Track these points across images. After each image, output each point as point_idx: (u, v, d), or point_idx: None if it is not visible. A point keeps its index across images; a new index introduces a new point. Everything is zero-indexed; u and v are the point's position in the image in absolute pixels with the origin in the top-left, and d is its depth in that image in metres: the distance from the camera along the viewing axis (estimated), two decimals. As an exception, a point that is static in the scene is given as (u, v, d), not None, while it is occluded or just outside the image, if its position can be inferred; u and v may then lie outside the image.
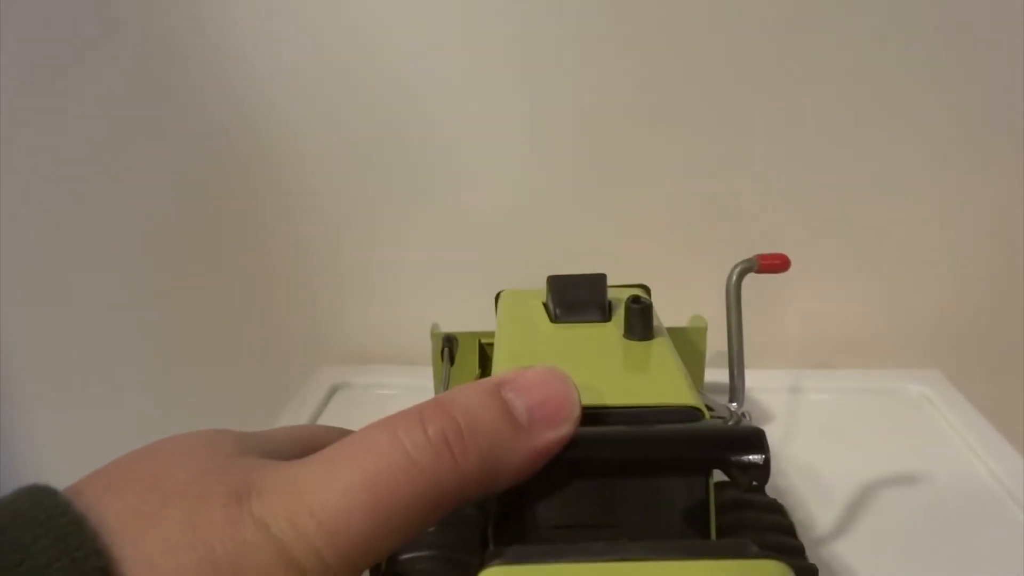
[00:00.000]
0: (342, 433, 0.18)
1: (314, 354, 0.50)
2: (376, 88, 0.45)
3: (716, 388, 0.33)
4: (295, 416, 0.42)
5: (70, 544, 0.14)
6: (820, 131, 0.45)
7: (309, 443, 0.19)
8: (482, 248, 0.48)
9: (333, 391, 0.46)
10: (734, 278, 0.28)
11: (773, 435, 0.40)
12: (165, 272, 0.50)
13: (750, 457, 0.20)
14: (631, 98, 0.45)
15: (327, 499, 0.16)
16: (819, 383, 0.45)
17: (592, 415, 0.21)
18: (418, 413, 0.17)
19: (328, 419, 0.43)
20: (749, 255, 0.29)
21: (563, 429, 0.18)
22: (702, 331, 0.37)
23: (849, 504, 0.35)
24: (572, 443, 0.20)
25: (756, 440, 0.20)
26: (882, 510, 0.34)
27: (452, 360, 0.26)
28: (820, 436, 0.40)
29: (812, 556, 0.28)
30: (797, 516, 0.34)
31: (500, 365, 0.25)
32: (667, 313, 0.33)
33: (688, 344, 0.37)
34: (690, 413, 0.21)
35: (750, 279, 0.50)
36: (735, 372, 0.28)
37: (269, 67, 0.45)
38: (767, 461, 0.20)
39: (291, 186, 0.48)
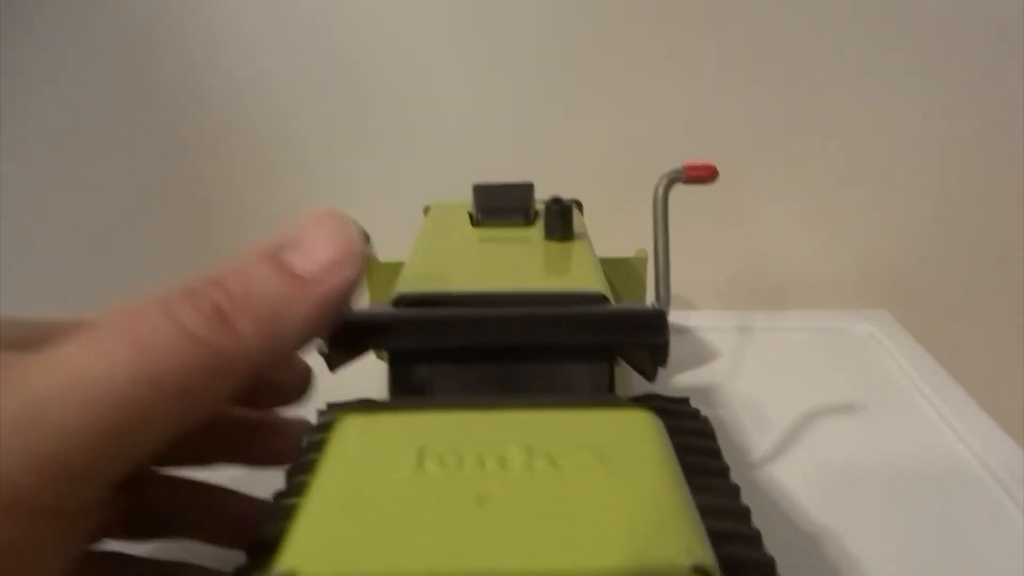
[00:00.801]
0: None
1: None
2: (321, 21, 0.45)
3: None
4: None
5: None
6: (768, 66, 0.45)
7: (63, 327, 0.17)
8: (432, 185, 0.47)
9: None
10: (661, 190, 0.28)
11: (718, 370, 0.40)
12: (116, 220, 0.50)
13: (647, 336, 0.19)
14: (578, 23, 0.44)
15: (88, 366, 0.14)
16: (766, 323, 0.44)
17: (491, 298, 0.21)
18: (190, 286, 0.16)
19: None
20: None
21: (345, 272, 0.17)
22: (643, 261, 0.37)
23: (787, 433, 0.34)
24: (465, 325, 0.19)
25: (655, 320, 0.20)
26: (820, 439, 0.34)
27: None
28: (765, 371, 0.40)
29: (743, 480, 0.27)
30: (735, 443, 0.34)
31: (410, 263, 0.24)
32: (613, 245, 0.33)
33: (631, 272, 0.37)
34: (595, 298, 0.21)
35: (703, 223, 0.49)
36: (661, 285, 0.27)
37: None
38: (666, 342, 0.20)
39: (234, 122, 0.47)
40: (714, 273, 0.48)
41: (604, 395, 0.17)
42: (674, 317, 0.45)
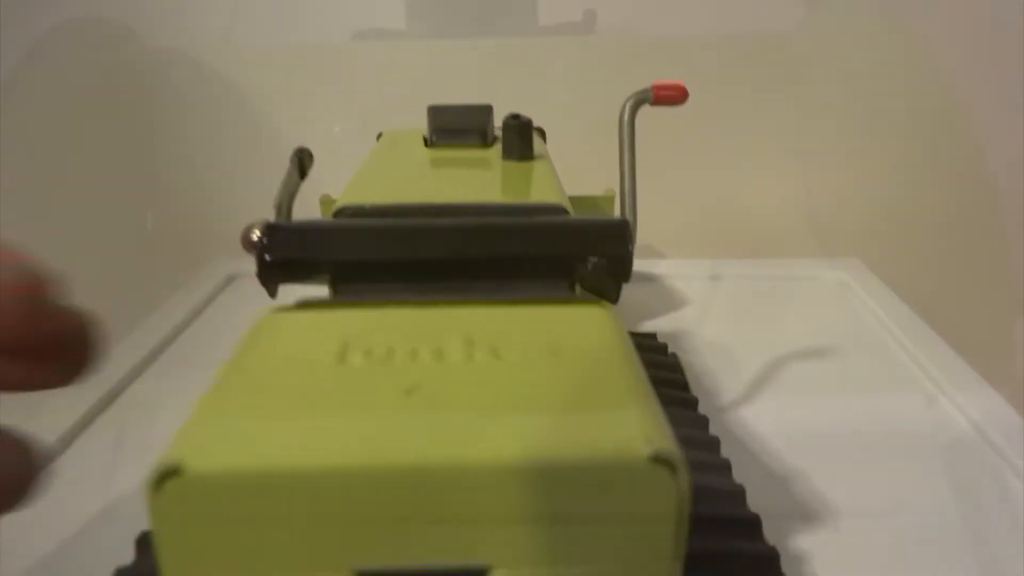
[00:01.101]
0: None
1: (213, 242, 0.47)
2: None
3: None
4: (183, 303, 0.40)
5: None
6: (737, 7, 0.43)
7: None
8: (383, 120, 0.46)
9: (229, 280, 0.43)
10: (627, 111, 0.26)
11: (689, 317, 0.39)
12: (58, 154, 0.47)
13: (609, 247, 0.18)
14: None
15: None
16: (737, 271, 0.43)
17: (440, 210, 0.19)
18: None
19: (220, 309, 0.41)
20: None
21: None
22: (611, 200, 0.36)
23: (758, 376, 0.33)
24: (410, 235, 0.17)
25: (617, 229, 0.18)
26: (792, 383, 0.33)
27: (302, 174, 0.23)
28: (736, 317, 0.39)
29: (714, 421, 0.26)
30: (705, 387, 0.33)
31: (355, 178, 0.22)
32: (580, 183, 0.31)
33: (597, 211, 0.35)
34: (554, 210, 0.19)
35: (672, 169, 0.48)
36: (626, 209, 0.26)
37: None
38: (629, 253, 0.18)
39: (182, 72, 0.45)
40: (683, 221, 0.47)
41: (557, 293, 0.15)
42: (643, 265, 0.44)
